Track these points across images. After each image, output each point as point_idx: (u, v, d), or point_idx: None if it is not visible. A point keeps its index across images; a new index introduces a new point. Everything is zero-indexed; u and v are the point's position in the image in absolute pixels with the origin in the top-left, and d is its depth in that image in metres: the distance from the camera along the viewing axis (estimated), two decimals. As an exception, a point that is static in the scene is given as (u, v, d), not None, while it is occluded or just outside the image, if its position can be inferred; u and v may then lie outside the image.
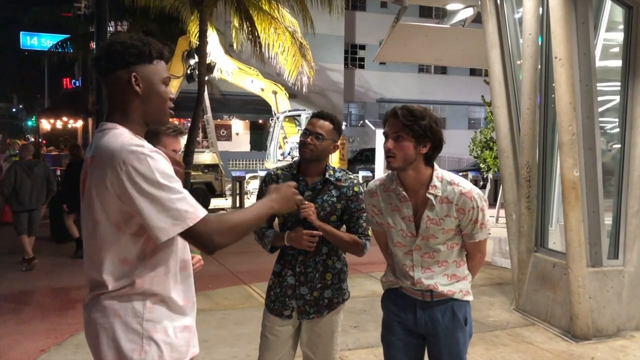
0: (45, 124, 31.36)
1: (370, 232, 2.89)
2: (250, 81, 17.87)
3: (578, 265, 4.93)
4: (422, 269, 2.50)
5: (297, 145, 12.88)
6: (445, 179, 2.43)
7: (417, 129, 2.32)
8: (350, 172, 2.99)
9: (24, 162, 8.16)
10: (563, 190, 5.05)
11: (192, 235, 1.68)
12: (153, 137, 2.52)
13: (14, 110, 56.13)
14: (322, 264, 2.83)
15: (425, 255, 2.49)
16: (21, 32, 22.77)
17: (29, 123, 46.50)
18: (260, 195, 2.92)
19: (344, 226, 2.89)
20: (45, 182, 8.15)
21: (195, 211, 1.67)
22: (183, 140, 2.65)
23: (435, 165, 2.46)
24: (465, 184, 2.44)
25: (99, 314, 1.75)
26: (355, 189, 2.86)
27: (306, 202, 2.72)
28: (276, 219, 2.90)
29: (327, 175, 2.83)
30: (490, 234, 2.66)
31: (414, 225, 2.46)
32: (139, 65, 1.78)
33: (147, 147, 1.70)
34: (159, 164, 1.67)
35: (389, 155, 2.38)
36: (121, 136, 1.71)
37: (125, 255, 1.72)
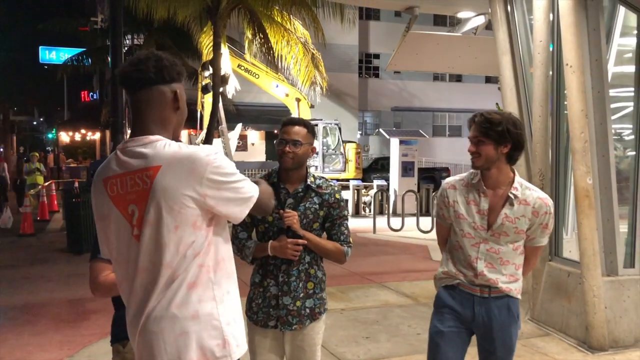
0: (65, 137, 31.83)
1: (351, 239, 2.89)
2: (276, 85, 18.01)
3: (593, 274, 4.85)
4: (486, 263, 2.68)
5: (314, 155, 12.80)
6: (524, 184, 2.69)
7: (493, 134, 2.56)
8: (330, 180, 2.99)
9: None
10: (576, 198, 4.98)
11: (257, 204, 1.93)
12: None
13: (34, 123, 57.06)
14: (304, 272, 2.79)
15: (491, 250, 2.67)
16: (40, 47, 23.19)
17: (49, 135, 47.23)
18: None
19: (325, 234, 2.88)
20: None
21: (254, 186, 1.92)
22: None
23: (516, 172, 2.70)
24: (540, 191, 2.71)
25: (176, 316, 1.77)
26: (337, 195, 2.84)
27: (289, 210, 2.71)
28: (254, 229, 2.88)
29: (308, 182, 2.80)
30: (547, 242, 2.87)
31: (487, 220, 2.66)
32: (178, 82, 1.90)
33: (211, 148, 1.87)
34: (224, 159, 1.85)
35: (472, 155, 2.63)
36: (181, 145, 1.82)
37: (198, 250, 1.80)
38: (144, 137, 1.83)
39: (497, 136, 2.56)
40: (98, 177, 1.88)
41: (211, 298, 1.82)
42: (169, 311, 1.77)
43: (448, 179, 2.86)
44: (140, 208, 1.78)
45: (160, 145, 1.80)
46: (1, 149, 32.57)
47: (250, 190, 1.89)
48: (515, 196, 2.63)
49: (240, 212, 1.88)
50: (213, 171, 1.78)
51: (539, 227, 2.67)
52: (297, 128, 2.78)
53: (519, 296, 2.77)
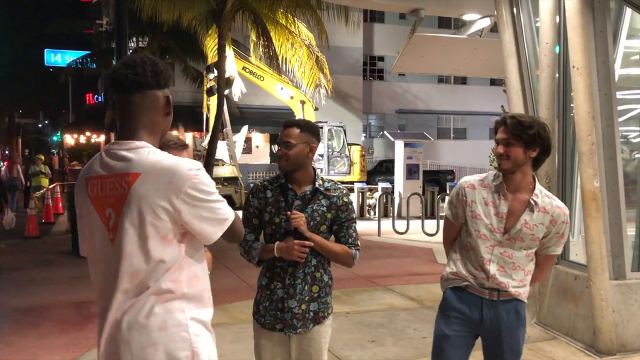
0: (69, 139, 31.92)
1: (359, 242, 2.87)
2: (280, 88, 18.03)
3: (600, 278, 4.81)
4: (498, 266, 2.65)
5: (319, 157, 12.94)
6: (544, 192, 2.67)
7: (525, 137, 2.53)
8: (338, 182, 2.97)
9: None
10: (583, 201, 4.95)
11: (231, 228, 1.88)
12: None
13: (39, 125, 57.22)
14: (310, 276, 2.77)
15: (505, 254, 2.65)
16: (45, 50, 23.28)
17: (54, 138, 47.36)
18: (247, 206, 2.88)
19: (332, 237, 2.86)
20: None
21: (231, 210, 1.89)
22: (187, 153, 2.67)
23: (537, 179, 2.69)
24: (558, 200, 2.70)
25: (144, 326, 1.75)
26: (345, 199, 2.82)
27: (296, 212, 2.70)
28: (262, 232, 2.87)
29: (316, 185, 2.78)
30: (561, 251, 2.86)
31: (504, 223, 2.63)
32: (168, 87, 1.89)
33: (196, 163, 1.82)
34: (206, 176, 1.82)
35: (501, 158, 2.60)
36: (165, 154, 1.80)
37: (168, 264, 1.77)
38: (130, 141, 1.81)
39: (528, 139, 2.54)
40: (81, 176, 1.88)
41: (180, 310, 1.79)
42: (138, 321, 1.74)
43: (466, 178, 2.82)
44: (116, 213, 1.77)
45: (144, 152, 1.78)
46: (6, 152, 32.68)
47: (227, 213, 1.86)
48: (536, 203, 2.61)
49: (214, 233, 1.84)
50: (192, 186, 1.76)
51: (555, 235, 2.66)
52: (288, 130, 2.77)
53: (526, 299, 2.76)
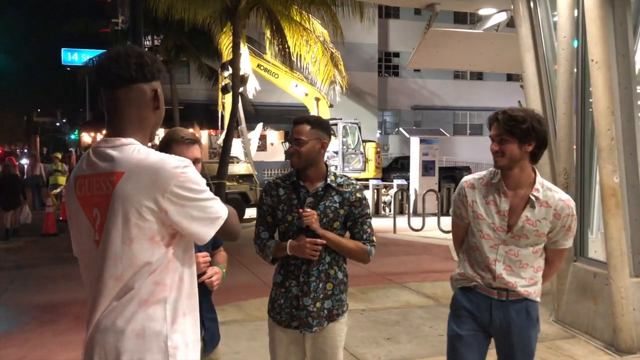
0: (87, 137, 32.20)
1: (374, 238, 2.83)
2: (295, 85, 17.98)
3: (620, 275, 4.73)
4: (504, 265, 2.58)
5: (333, 154, 12.88)
6: (546, 185, 2.59)
7: (518, 132, 2.46)
8: (352, 178, 2.93)
9: None
10: (603, 197, 4.87)
11: (225, 227, 1.78)
12: (165, 147, 2.50)
13: (57, 124, 57.89)
14: (324, 273, 2.74)
15: (510, 252, 2.58)
16: (62, 49, 23.48)
17: (72, 136, 47.88)
18: (261, 204, 2.87)
19: (347, 233, 2.82)
20: None
21: (224, 208, 1.78)
22: (197, 150, 2.61)
23: (537, 172, 2.60)
24: (562, 193, 2.61)
25: (122, 331, 1.65)
26: (358, 194, 2.78)
27: (308, 210, 2.67)
28: (277, 229, 2.85)
29: (328, 181, 2.75)
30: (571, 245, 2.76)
31: (507, 221, 2.56)
32: (157, 80, 1.78)
33: (184, 160, 1.72)
34: (195, 173, 1.72)
35: (496, 155, 2.52)
36: (150, 152, 1.70)
37: (154, 265, 1.68)
38: (117, 139, 1.72)
39: (522, 134, 2.46)
40: (72, 175, 1.82)
41: (162, 318, 1.67)
42: (116, 325, 1.65)
43: (466, 177, 2.76)
44: (102, 214, 1.69)
45: (129, 150, 1.69)
46: (25, 150, 33.11)
47: (219, 211, 1.75)
48: (537, 198, 2.53)
49: (206, 234, 1.73)
50: (178, 185, 1.65)
51: (562, 229, 2.58)
52: (298, 127, 2.74)
53: (538, 299, 2.68)
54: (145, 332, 1.65)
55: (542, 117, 2.58)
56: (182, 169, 1.67)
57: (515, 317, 2.60)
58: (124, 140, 1.71)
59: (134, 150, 1.69)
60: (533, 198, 2.53)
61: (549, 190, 2.57)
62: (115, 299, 1.67)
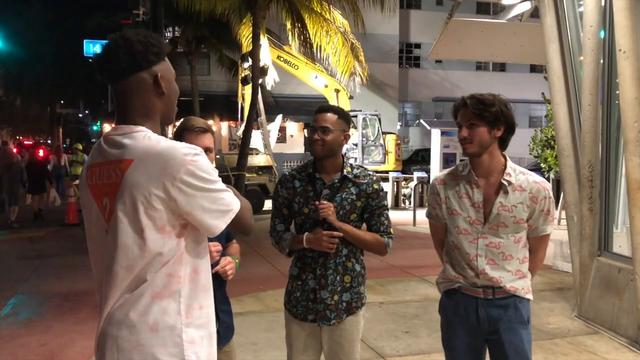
0: (108, 128, 32.57)
1: (392, 230, 2.79)
2: (315, 76, 17.93)
3: (646, 271, 4.62)
4: (487, 259, 2.46)
5: (353, 146, 12.78)
6: (518, 169, 2.49)
7: (487, 115, 2.38)
8: (368, 169, 2.88)
9: None
10: (628, 191, 4.75)
11: (236, 220, 1.72)
12: (178, 135, 2.47)
13: (80, 115, 58.58)
14: (342, 266, 2.70)
15: (491, 245, 2.46)
16: (84, 40, 23.65)
17: (94, 128, 48.42)
18: (276, 196, 2.84)
19: (364, 225, 2.78)
20: None
21: (236, 200, 1.73)
22: (208, 139, 2.55)
23: (507, 157, 2.51)
24: (536, 175, 2.50)
25: (135, 325, 1.62)
26: (375, 185, 2.74)
27: (324, 202, 2.63)
28: (293, 222, 2.81)
29: (345, 172, 2.71)
30: (552, 230, 2.60)
31: (483, 212, 2.46)
32: (159, 63, 1.71)
33: (195, 147, 1.66)
34: (206, 161, 1.66)
35: (465, 142, 2.43)
36: (160, 139, 1.65)
37: (166, 257, 1.63)
38: (127, 126, 1.68)
39: (492, 118, 2.38)
40: (85, 165, 1.79)
41: (176, 312, 1.63)
42: (128, 318, 1.61)
43: (437, 175, 2.67)
44: (111, 202, 1.65)
45: (139, 137, 1.64)
46: (48, 141, 33.60)
47: (231, 204, 1.69)
48: (509, 182, 2.43)
49: (216, 226, 1.67)
50: (188, 173, 1.59)
51: (541, 214, 2.46)
52: (326, 115, 2.69)
53: (529, 296, 2.52)
54: (159, 325, 1.61)
55: (509, 102, 2.49)
56: (193, 156, 1.61)
57: (503, 315, 2.47)
58: (133, 127, 1.68)
59: (144, 137, 1.65)
60: (505, 183, 2.42)
61: (521, 174, 2.47)
62: (128, 292, 1.63)
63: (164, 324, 1.62)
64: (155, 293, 1.62)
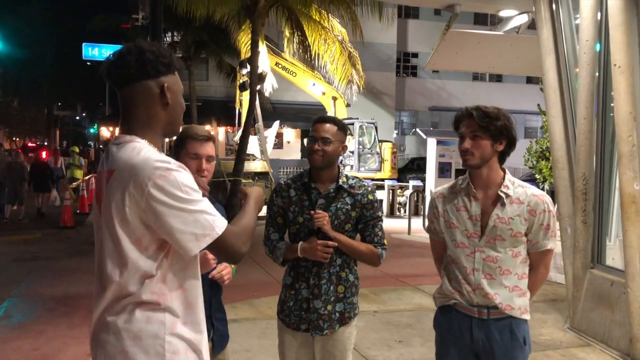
0: (105, 132, 32.50)
1: (386, 241, 2.81)
2: (312, 84, 17.97)
3: (638, 284, 4.65)
4: (484, 274, 2.43)
5: (349, 154, 12.79)
6: (517, 182, 2.48)
7: (492, 129, 2.37)
8: (363, 180, 2.90)
9: None
10: (622, 204, 4.79)
11: (219, 246, 1.63)
12: (180, 143, 2.48)
13: (77, 118, 58.50)
14: (335, 275, 2.72)
15: (488, 259, 2.43)
16: (83, 44, 23.68)
17: (91, 130, 48.35)
18: (271, 205, 2.85)
19: (358, 235, 2.80)
20: None
21: (220, 222, 1.63)
22: (210, 147, 2.55)
23: (507, 170, 2.50)
24: (535, 188, 2.49)
25: (121, 331, 1.63)
26: (370, 196, 2.75)
27: (320, 211, 2.65)
28: (287, 231, 2.83)
29: (340, 182, 2.73)
30: (555, 246, 2.56)
31: (480, 225, 2.44)
32: (167, 75, 1.72)
33: (172, 162, 1.62)
34: (184, 177, 1.60)
35: (466, 153, 2.42)
36: (142, 150, 1.64)
37: (146, 272, 1.63)
38: (123, 136, 1.70)
39: (496, 132, 2.37)
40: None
41: (161, 322, 1.62)
42: (116, 324, 1.63)
43: (437, 189, 2.65)
44: (99, 211, 1.69)
45: (128, 148, 1.64)
46: (45, 143, 33.53)
47: (209, 227, 1.58)
48: (507, 195, 2.41)
49: (189, 249, 1.58)
50: (156, 187, 1.54)
51: (540, 228, 2.42)
52: (327, 126, 2.71)
53: (525, 316, 2.47)
54: (143, 334, 1.61)
55: (511, 117, 2.50)
56: (164, 171, 1.56)
57: (498, 337, 2.42)
58: (127, 137, 1.69)
59: (132, 149, 1.64)
60: (502, 195, 2.40)
61: (520, 187, 2.45)
62: (116, 300, 1.64)
63: (147, 332, 1.62)
64: (139, 304, 1.63)
